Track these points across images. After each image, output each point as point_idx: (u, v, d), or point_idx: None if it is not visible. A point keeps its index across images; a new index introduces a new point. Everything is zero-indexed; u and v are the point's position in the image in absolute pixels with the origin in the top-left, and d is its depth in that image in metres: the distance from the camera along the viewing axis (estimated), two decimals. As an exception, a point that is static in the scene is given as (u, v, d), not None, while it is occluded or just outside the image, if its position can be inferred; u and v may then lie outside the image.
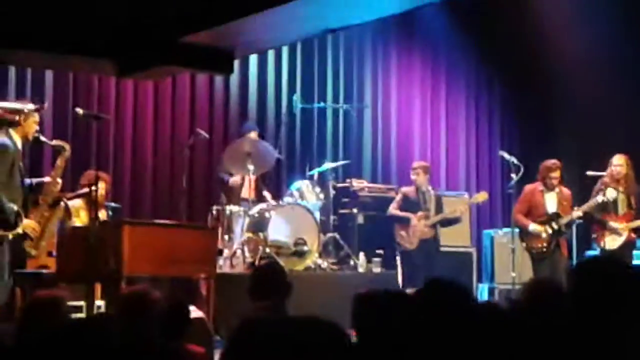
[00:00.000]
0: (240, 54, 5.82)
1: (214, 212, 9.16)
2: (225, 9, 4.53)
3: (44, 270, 7.39)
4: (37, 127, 7.05)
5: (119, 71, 5.32)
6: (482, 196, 9.94)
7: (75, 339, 2.89)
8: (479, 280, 10.67)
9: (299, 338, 2.45)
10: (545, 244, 8.92)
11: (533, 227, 8.95)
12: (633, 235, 8.91)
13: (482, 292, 10.56)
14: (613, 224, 8.84)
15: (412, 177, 9.76)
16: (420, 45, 12.17)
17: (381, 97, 11.89)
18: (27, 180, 7.13)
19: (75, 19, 4.63)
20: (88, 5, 4.51)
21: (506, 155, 9.71)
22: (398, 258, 9.60)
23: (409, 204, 9.68)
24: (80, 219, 7.97)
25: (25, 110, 6.85)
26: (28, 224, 6.83)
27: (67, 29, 4.67)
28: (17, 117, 6.72)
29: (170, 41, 4.83)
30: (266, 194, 9.55)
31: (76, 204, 7.96)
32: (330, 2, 4.33)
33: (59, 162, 7.28)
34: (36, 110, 6.98)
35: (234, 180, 9.39)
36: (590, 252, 10.03)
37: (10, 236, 6.64)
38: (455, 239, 10.26)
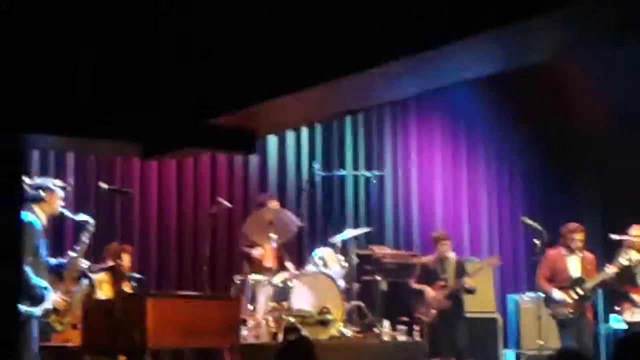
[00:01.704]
0: (262, 134, 5.89)
1: (237, 281, 9.15)
2: (248, 92, 4.59)
3: (69, 344, 7.38)
4: (62, 203, 7.10)
5: (144, 153, 5.39)
6: (493, 260, 9.87)
7: None
8: (505, 346, 10.55)
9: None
10: (570, 310, 8.85)
11: (557, 293, 8.89)
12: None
13: (508, 358, 10.43)
14: (634, 296, 8.80)
15: (437, 248, 9.67)
16: (440, 112, 12.23)
17: (401, 163, 11.93)
18: (53, 260, 7.16)
19: (100, 103, 4.70)
20: (112, 89, 4.58)
21: (529, 221, 9.69)
22: (419, 329, 9.49)
23: (428, 275, 9.63)
24: (104, 292, 7.98)
25: (51, 187, 6.92)
26: (56, 300, 6.84)
27: (92, 114, 4.74)
28: (42, 194, 6.78)
29: (193, 124, 4.89)
30: (288, 264, 9.53)
31: (100, 277, 7.97)
32: (352, 85, 4.37)
33: (84, 237, 7.33)
34: (62, 188, 7.06)
35: (258, 252, 9.37)
36: (615, 318, 9.93)
37: (39, 312, 6.64)
38: (479, 305, 10.17)
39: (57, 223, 8.76)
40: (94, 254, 8.38)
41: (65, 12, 4.59)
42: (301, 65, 4.42)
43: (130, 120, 4.96)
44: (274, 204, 9.58)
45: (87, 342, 7.22)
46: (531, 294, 10.24)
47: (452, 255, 9.75)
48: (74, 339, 7.39)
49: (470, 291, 9.61)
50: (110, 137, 5.20)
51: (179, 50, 4.57)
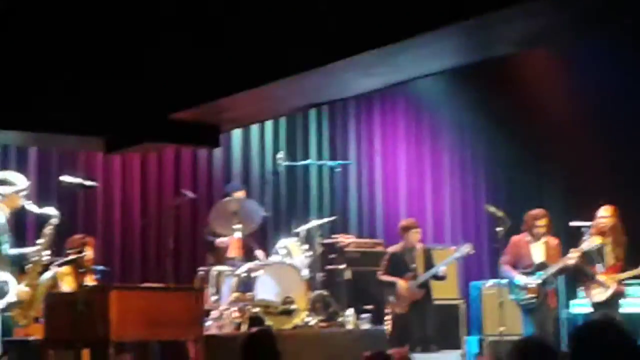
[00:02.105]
0: (226, 128, 5.91)
1: (201, 272, 9.16)
2: (211, 87, 4.61)
3: (32, 337, 7.37)
4: (24, 195, 7.09)
5: (107, 148, 5.40)
6: (468, 248, 9.93)
7: None
8: (468, 332, 10.65)
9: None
10: (533, 295, 8.93)
11: (520, 278, 8.98)
12: (621, 287, 8.93)
13: (471, 344, 10.53)
14: (600, 277, 8.87)
15: (406, 237, 9.72)
16: (404, 100, 12.29)
17: (365, 152, 11.98)
18: (14, 250, 7.14)
19: (63, 98, 4.71)
20: (75, 84, 4.59)
21: (491, 209, 9.77)
22: (389, 318, 9.56)
23: (396, 265, 9.69)
24: (67, 285, 7.97)
25: (12, 181, 6.90)
26: (20, 292, 6.83)
27: (55, 109, 4.75)
28: (3, 188, 6.76)
29: (156, 119, 4.90)
30: (259, 252, 9.57)
31: (62, 269, 7.96)
32: (314, 80, 4.40)
33: (47, 230, 7.31)
34: (22, 190, 7.05)
35: (220, 241, 9.41)
36: (577, 303, 10.06)
37: (2, 305, 6.63)
38: (443, 292, 10.26)
39: (20, 217, 8.73)
40: (57, 246, 8.39)
41: (33, 7, 4.59)
42: (264, 60, 4.45)
43: (93, 114, 4.97)
44: (240, 194, 9.60)
45: (49, 336, 7.20)
46: (494, 281, 10.34)
47: (419, 245, 9.82)
48: (37, 332, 7.39)
49: (442, 278, 9.73)
50: (73, 132, 5.20)
51: (142, 45, 4.58)
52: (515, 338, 9.10)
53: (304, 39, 4.25)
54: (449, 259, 9.93)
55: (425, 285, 9.65)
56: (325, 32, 4.15)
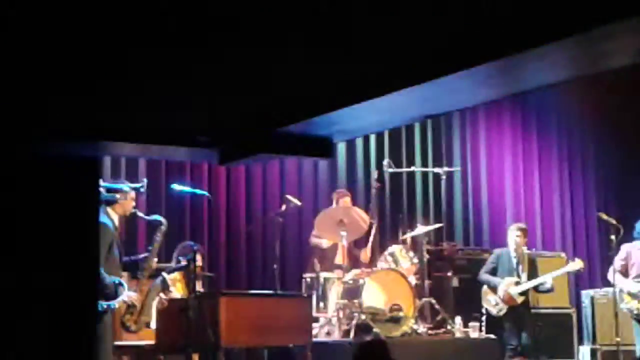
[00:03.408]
0: (339, 139, 5.88)
1: (308, 279, 9.18)
2: (322, 101, 4.59)
3: (144, 342, 7.49)
4: (134, 204, 7.21)
5: (221, 160, 5.46)
6: (579, 264, 9.63)
7: None
8: (580, 342, 10.40)
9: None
10: (644, 304, 8.68)
11: (631, 287, 8.73)
12: None
13: (583, 355, 10.28)
14: None
15: (512, 238, 9.52)
16: (510, 104, 12.10)
17: (470, 158, 11.84)
18: (125, 258, 7.27)
19: (180, 111, 4.76)
20: (191, 98, 4.63)
21: (604, 216, 9.54)
22: (484, 322, 9.40)
23: (501, 266, 9.52)
24: (177, 290, 8.07)
25: (125, 189, 7.03)
26: (130, 295, 6.95)
27: (172, 123, 4.82)
28: (117, 196, 6.90)
29: (269, 131, 4.91)
30: (363, 252, 9.55)
31: (173, 276, 8.06)
32: (431, 91, 4.32)
33: (157, 237, 7.43)
34: (137, 189, 7.18)
35: (327, 243, 9.42)
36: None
37: (116, 305, 6.75)
38: (554, 300, 10.05)
39: (131, 224, 8.91)
40: (166, 253, 8.51)
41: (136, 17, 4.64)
42: (377, 71, 4.40)
43: (208, 127, 5.02)
44: (346, 201, 9.60)
45: (161, 341, 7.31)
46: (606, 289, 10.07)
47: (526, 251, 9.63)
48: (148, 337, 7.50)
49: (548, 291, 9.49)
50: (189, 145, 5.26)
51: (251, 58, 4.58)
52: (631, 349, 8.89)
53: (422, 49, 4.18)
54: (557, 272, 9.63)
55: (525, 293, 9.42)
56: (443, 42, 4.07)
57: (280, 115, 4.72)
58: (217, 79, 4.44)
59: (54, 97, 4.59)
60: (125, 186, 7.10)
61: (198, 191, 7.95)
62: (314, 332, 8.39)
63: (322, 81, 4.47)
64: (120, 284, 6.69)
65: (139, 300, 7.09)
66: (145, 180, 8.50)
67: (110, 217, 6.85)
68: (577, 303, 10.92)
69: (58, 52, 4.42)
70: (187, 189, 8.25)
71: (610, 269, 9.02)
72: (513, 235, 9.52)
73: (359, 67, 4.32)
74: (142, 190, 7.38)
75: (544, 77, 4.43)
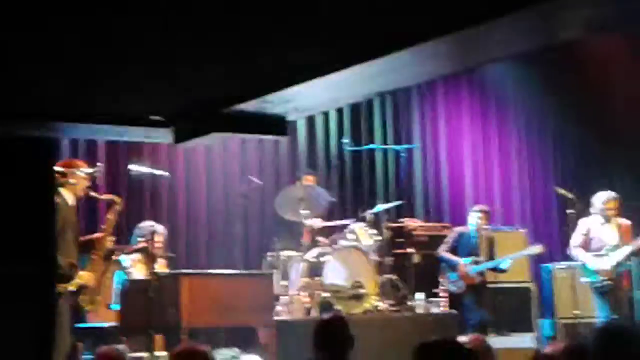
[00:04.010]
0: (293, 117, 5.89)
1: (269, 258, 9.17)
2: (274, 79, 4.58)
3: (105, 324, 7.45)
4: (88, 184, 7.14)
5: (176, 139, 5.46)
6: (538, 249, 9.75)
7: None
8: (541, 315, 10.50)
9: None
10: (607, 278, 8.77)
11: (592, 261, 8.83)
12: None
13: (545, 328, 10.38)
14: None
15: (474, 220, 9.61)
16: (468, 81, 12.14)
17: (430, 135, 11.86)
18: (80, 238, 7.21)
19: (131, 90, 4.73)
20: (141, 76, 4.60)
21: (561, 191, 9.62)
22: (447, 299, 9.48)
23: (461, 245, 9.60)
24: (137, 271, 8.04)
25: (77, 173, 6.96)
26: (85, 275, 6.90)
27: (122, 102, 4.79)
28: (70, 180, 6.82)
29: (223, 110, 4.90)
30: (320, 238, 9.55)
31: (133, 256, 8.03)
32: (380, 68, 4.32)
33: (110, 215, 7.38)
34: (92, 173, 7.11)
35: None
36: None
37: (70, 287, 6.70)
38: (513, 275, 10.12)
39: (88, 204, 8.83)
40: (126, 234, 8.47)
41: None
42: (330, 49, 4.39)
43: (160, 107, 4.99)
44: (309, 178, 9.58)
45: (123, 322, 7.28)
46: (565, 263, 10.16)
47: (485, 231, 9.70)
48: (109, 319, 7.47)
49: (504, 271, 9.63)
50: (141, 124, 5.24)
51: (208, 34, 4.55)
52: (590, 321, 9.00)
53: (371, 27, 4.16)
54: (515, 254, 9.76)
55: (483, 273, 9.56)
56: (392, 20, 4.06)
57: (233, 94, 4.72)
58: (170, 59, 4.42)
59: (6, 78, 4.54)
60: (80, 171, 7.02)
61: (156, 171, 7.89)
62: (276, 310, 8.39)
63: (275, 60, 4.46)
64: (74, 265, 6.64)
65: (94, 280, 7.03)
66: (100, 164, 8.44)
67: (63, 198, 6.77)
68: (537, 277, 11.02)
69: (15, 32, 4.37)
70: (145, 169, 8.17)
71: (570, 244, 9.10)
72: (475, 216, 9.63)
73: (310, 45, 4.31)
74: (96, 174, 7.31)
75: (495, 52, 4.45)
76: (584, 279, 8.97)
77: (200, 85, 4.75)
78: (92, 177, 7.28)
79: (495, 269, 9.65)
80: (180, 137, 5.39)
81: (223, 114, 4.97)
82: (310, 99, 5.05)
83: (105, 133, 6.82)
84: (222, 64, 4.60)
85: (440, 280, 9.57)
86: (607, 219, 8.93)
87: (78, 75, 4.51)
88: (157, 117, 4.94)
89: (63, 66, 4.53)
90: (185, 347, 4.25)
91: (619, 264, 8.80)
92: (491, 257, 9.63)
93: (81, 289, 6.92)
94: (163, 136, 5.52)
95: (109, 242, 7.35)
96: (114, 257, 7.66)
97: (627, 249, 8.80)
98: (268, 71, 4.60)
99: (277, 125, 5.34)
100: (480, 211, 9.68)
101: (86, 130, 6.00)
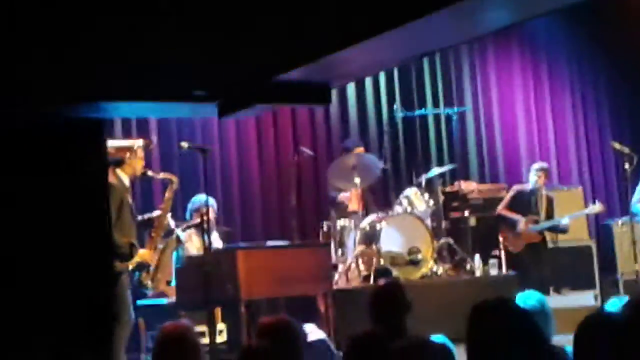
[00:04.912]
0: (336, 85, 5.85)
1: (325, 228, 9.19)
2: (317, 45, 4.54)
3: (165, 300, 7.54)
4: (144, 163, 7.21)
5: (220, 113, 5.46)
6: (599, 208, 9.65)
7: None
8: (601, 273, 10.39)
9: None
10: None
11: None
12: None
13: (604, 284, 10.28)
14: None
15: (533, 178, 9.54)
16: (519, 40, 11.96)
17: (482, 97, 11.73)
18: (139, 217, 7.31)
19: (175, 67, 4.74)
20: (182, 51, 4.60)
21: (617, 146, 9.48)
22: (503, 259, 9.43)
23: (519, 204, 9.51)
24: (192, 244, 8.12)
25: (134, 147, 7.03)
26: (144, 253, 6.98)
27: (168, 79, 4.80)
28: (124, 155, 6.89)
29: (265, 81, 4.88)
30: (373, 207, 9.55)
31: (187, 232, 8.11)
32: (425, 28, 4.26)
33: (168, 194, 7.47)
34: (146, 145, 7.17)
35: (343, 196, 9.41)
36: None
37: (130, 266, 6.79)
38: (573, 233, 10.03)
39: (144, 184, 8.94)
40: (181, 211, 8.55)
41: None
42: (369, 12, 4.35)
43: (203, 81, 5.00)
44: (359, 150, 9.57)
45: (181, 298, 7.37)
46: (625, 219, 10.03)
47: (544, 190, 9.61)
48: (169, 294, 7.57)
49: (564, 231, 9.56)
50: (184, 100, 5.25)
51: (245, 7, 4.53)
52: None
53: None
54: (576, 213, 9.73)
55: (542, 232, 9.50)
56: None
57: (274, 64, 4.70)
58: (211, 33, 4.42)
59: (52, 60, 4.59)
60: (136, 143, 7.09)
61: (206, 147, 7.94)
62: (334, 279, 8.42)
63: (315, 27, 4.44)
64: (133, 244, 6.72)
65: (154, 259, 7.12)
66: (154, 137, 8.52)
67: (120, 178, 6.85)
68: (597, 234, 10.90)
69: (57, 14, 4.41)
70: (195, 145, 8.21)
71: (632, 200, 8.97)
72: (534, 174, 9.54)
73: (350, 10, 4.28)
74: (150, 146, 7.38)
75: (540, 6, 4.37)
76: (644, 234, 8.84)
77: (243, 56, 4.74)
78: (146, 152, 7.33)
79: (555, 229, 9.57)
80: (224, 111, 5.39)
81: (266, 85, 4.95)
82: (352, 64, 5.01)
83: (151, 111, 6.86)
84: (264, 34, 4.59)
85: (500, 239, 9.52)
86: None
87: (120, 54, 4.54)
88: (200, 92, 4.94)
89: (107, 47, 4.57)
90: (272, 319, 4.25)
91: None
92: (550, 216, 9.54)
93: (141, 267, 7.01)
94: (208, 111, 5.53)
95: (167, 219, 7.44)
96: (173, 235, 7.77)
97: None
98: (309, 38, 4.57)
99: (321, 93, 5.30)
100: (540, 169, 9.59)
101: (132, 109, 6.03)
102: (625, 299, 4.37)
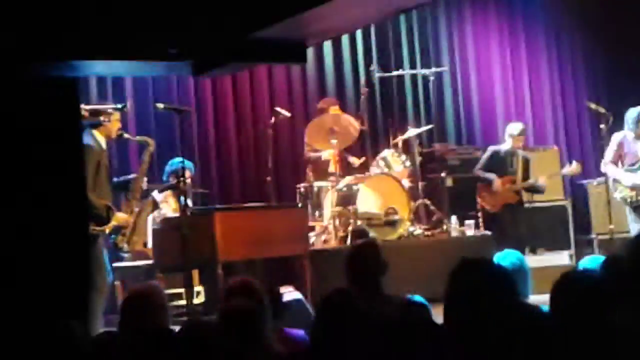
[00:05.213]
0: (313, 42, 5.81)
1: (302, 189, 9.19)
2: (292, 2, 4.49)
3: (141, 262, 7.54)
4: (120, 126, 7.17)
5: (195, 71, 5.40)
6: (576, 169, 9.69)
7: None
8: (576, 232, 10.46)
9: (384, 317, 2.46)
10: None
11: (624, 177, 8.73)
12: None
13: (578, 244, 10.36)
14: None
15: (508, 138, 9.54)
16: (496, 1, 11.93)
17: (459, 58, 11.70)
18: (115, 179, 7.28)
19: (145, 24, 4.68)
20: (156, 10, 4.55)
21: (593, 106, 9.48)
22: (480, 219, 9.47)
23: (496, 164, 9.52)
24: (169, 205, 8.10)
25: (109, 111, 6.98)
26: (121, 217, 6.96)
27: (142, 38, 4.74)
28: (100, 118, 6.85)
29: (240, 39, 4.83)
30: (353, 159, 9.55)
31: (164, 194, 8.09)
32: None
33: (145, 157, 7.44)
34: (119, 109, 7.12)
35: (319, 156, 9.39)
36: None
37: (107, 230, 6.77)
38: (548, 194, 10.07)
39: (120, 147, 8.88)
40: (158, 173, 8.51)
41: None
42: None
43: (177, 39, 4.94)
44: (335, 109, 9.53)
45: (158, 260, 7.36)
46: (600, 179, 10.08)
47: (521, 151, 9.63)
48: (147, 256, 7.56)
49: (541, 191, 9.60)
50: (158, 58, 5.20)
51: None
52: (625, 235, 8.94)
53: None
54: (553, 174, 9.75)
55: (519, 192, 9.53)
56: None
57: (249, 21, 4.66)
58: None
59: (24, 19, 4.52)
60: (109, 107, 7.05)
61: (182, 107, 7.88)
62: (311, 241, 8.43)
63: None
64: (110, 207, 6.69)
65: (130, 221, 7.10)
66: (129, 100, 8.45)
67: (96, 139, 6.81)
68: (572, 194, 10.97)
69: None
70: (171, 106, 8.14)
71: (603, 160, 9.00)
72: (510, 135, 9.54)
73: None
74: (125, 109, 7.34)
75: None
76: (617, 194, 8.88)
77: (217, 14, 4.69)
78: (122, 115, 7.29)
79: (532, 189, 9.61)
80: (199, 70, 5.35)
81: (241, 43, 4.91)
82: (327, 21, 4.97)
83: (125, 70, 6.79)
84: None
85: (478, 199, 9.55)
86: (639, 135, 8.80)
87: (92, 12, 4.49)
88: (174, 50, 4.89)
89: (79, 5, 4.51)
90: (238, 280, 4.26)
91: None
92: (527, 177, 9.57)
93: (118, 229, 6.99)
94: (183, 70, 5.48)
95: (144, 183, 7.41)
96: (149, 198, 7.75)
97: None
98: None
99: (297, 51, 5.26)
100: (515, 129, 9.58)
101: (106, 68, 5.97)
102: (599, 258, 4.41)
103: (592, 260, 4.46)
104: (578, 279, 3.10)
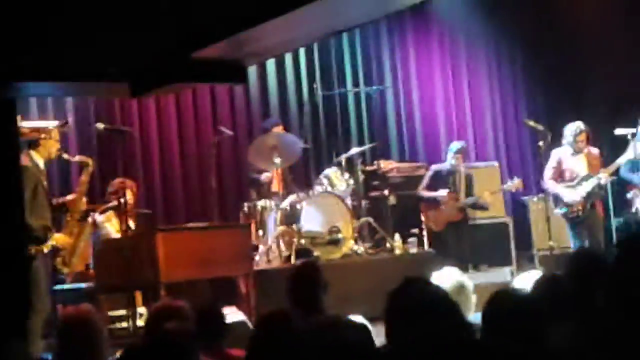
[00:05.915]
0: (252, 62, 5.83)
1: (246, 208, 9.17)
2: (231, 22, 4.51)
3: (83, 285, 7.45)
4: (59, 146, 7.10)
5: (133, 92, 5.37)
6: (518, 184, 9.84)
7: None
8: (517, 248, 10.59)
9: (322, 339, 2.46)
10: (580, 208, 8.82)
11: (564, 193, 8.86)
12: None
13: (521, 260, 10.48)
14: None
15: (451, 157, 9.66)
16: (437, 19, 12.05)
17: (401, 76, 11.80)
18: (54, 200, 7.20)
19: (87, 48, 4.66)
20: (94, 32, 4.53)
21: (531, 123, 9.62)
22: (425, 238, 9.56)
23: (439, 183, 9.63)
24: (112, 226, 8.03)
25: (49, 128, 6.91)
26: (59, 238, 6.89)
27: (80, 59, 4.72)
28: (38, 136, 6.77)
29: (177, 59, 4.83)
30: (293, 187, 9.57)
31: (105, 215, 8.01)
32: (336, 5, 4.27)
33: (83, 177, 7.39)
34: (61, 126, 7.05)
35: (266, 176, 9.39)
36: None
37: (45, 250, 6.69)
38: (490, 211, 10.19)
39: (62, 166, 8.79)
40: (100, 193, 8.43)
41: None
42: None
43: (114, 61, 4.93)
44: (278, 129, 9.54)
45: (100, 282, 7.28)
46: (540, 195, 10.22)
47: (463, 168, 9.75)
48: (89, 279, 7.47)
49: (485, 208, 9.73)
50: (94, 79, 5.17)
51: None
52: (565, 251, 9.08)
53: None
54: (495, 190, 9.91)
55: (463, 210, 9.65)
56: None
57: (188, 41, 4.66)
58: (123, 11, 4.37)
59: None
60: (50, 124, 6.98)
61: (123, 128, 7.84)
62: (255, 260, 8.41)
63: (227, 4, 4.41)
64: (49, 228, 6.62)
65: (69, 243, 7.03)
66: (70, 118, 8.38)
67: (34, 160, 6.73)
68: (513, 211, 11.10)
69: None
70: (112, 127, 8.09)
71: (544, 177, 9.13)
72: (451, 154, 9.66)
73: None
74: (66, 127, 7.27)
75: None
76: (557, 211, 9.01)
77: (155, 34, 4.69)
78: (61, 133, 7.22)
79: (476, 206, 9.74)
80: (138, 90, 5.33)
81: (179, 63, 4.91)
82: (266, 41, 5.00)
83: (63, 91, 6.74)
84: (176, 11, 4.55)
85: (422, 218, 9.64)
86: (578, 150, 8.95)
87: (29, 34, 4.46)
88: (112, 70, 4.88)
89: (16, 27, 4.48)
90: (164, 303, 4.24)
91: (589, 194, 8.85)
92: (470, 194, 9.69)
93: (56, 251, 6.91)
94: (119, 90, 5.46)
95: (83, 203, 7.34)
96: (89, 219, 7.67)
97: (596, 179, 8.83)
98: (221, 15, 4.54)
99: (236, 71, 5.28)
100: (457, 150, 9.71)
101: (43, 89, 5.92)
102: (534, 272, 4.48)
103: (526, 276, 4.53)
104: (506, 298, 3.15)
